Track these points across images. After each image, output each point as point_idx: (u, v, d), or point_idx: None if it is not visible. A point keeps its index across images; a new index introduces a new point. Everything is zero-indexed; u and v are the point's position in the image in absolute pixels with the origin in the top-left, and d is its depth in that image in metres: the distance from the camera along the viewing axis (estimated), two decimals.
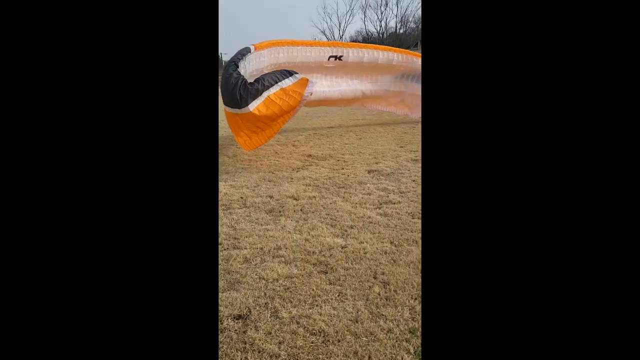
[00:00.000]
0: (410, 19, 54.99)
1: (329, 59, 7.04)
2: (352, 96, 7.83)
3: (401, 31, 54.07)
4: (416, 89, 7.72)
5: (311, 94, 4.96)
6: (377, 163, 5.26)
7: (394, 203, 3.63)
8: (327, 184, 4.34)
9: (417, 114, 8.23)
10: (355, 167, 5.05)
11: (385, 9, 49.72)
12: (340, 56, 7.03)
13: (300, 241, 2.88)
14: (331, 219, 3.30)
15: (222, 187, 4.34)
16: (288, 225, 3.19)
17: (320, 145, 6.78)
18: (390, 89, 8.04)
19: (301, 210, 3.55)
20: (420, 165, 5.04)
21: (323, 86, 7.26)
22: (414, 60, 7.50)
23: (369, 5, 51.37)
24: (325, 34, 56.19)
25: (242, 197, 3.96)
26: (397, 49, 7.54)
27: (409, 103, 8.26)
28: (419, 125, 8.51)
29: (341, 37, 53.96)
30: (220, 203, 3.81)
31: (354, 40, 57.77)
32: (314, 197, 3.91)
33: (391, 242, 2.82)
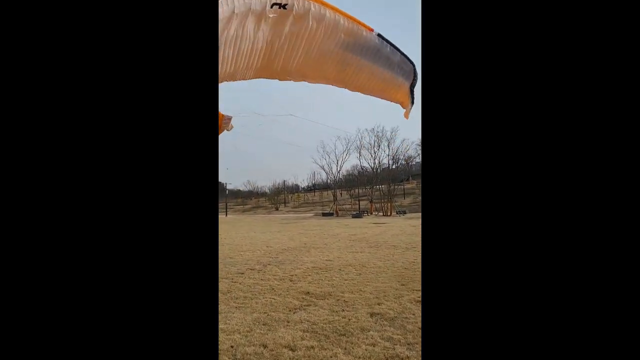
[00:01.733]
0: (400, 157, 60.98)
1: (272, 7, 4.90)
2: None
3: (393, 167, 59.20)
4: (365, 64, 5.55)
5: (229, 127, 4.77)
6: (379, 304, 4.96)
7: (402, 358, 3.26)
8: (326, 330, 3.98)
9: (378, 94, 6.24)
10: (356, 309, 4.74)
11: (378, 149, 55.61)
12: (285, 4, 4.86)
13: None
14: None
15: None
16: None
17: (319, 281, 6.53)
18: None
19: None
20: None
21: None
22: (362, 30, 5.23)
23: (363, 146, 57.61)
24: (324, 169, 61.23)
25: (232, 346, 3.56)
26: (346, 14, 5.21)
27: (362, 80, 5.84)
28: (419, 261, 8.40)
29: (339, 172, 58.71)
30: None
31: (350, 175, 62.65)
32: (313, 347, 3.53)
33: None
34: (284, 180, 76.60)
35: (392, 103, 6.39)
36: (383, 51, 4.99)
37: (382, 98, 5.76)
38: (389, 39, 5.09)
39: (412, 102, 6.25)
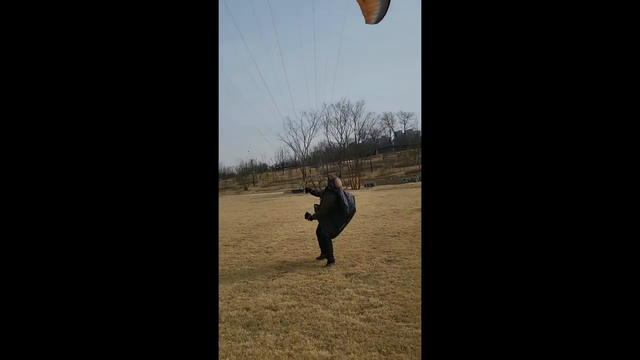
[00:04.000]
0: (367, 132, 61.75)
1: None
2: None
3: (360, 141, 59.93)
4: None
5: None
6: (352, 266, 5.27)
7: (376, 307, 3.57)
8: (305, 291, 4.22)
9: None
10: (331, 272, 5.01)
11: (345, 124, 55.82)
12: None
13: (283, 357, 2.67)
14: (313, 329, 3.14)
15: None
16: (268, 340, 2.98)
17: (294, 251, 6.75)
18: None
19: (281, 321, 3.37)
20: (395, 266, 5.11)
21: None
22: None
23: (330, 122, 57.56)
24: (292, 146, 60.86)
25: None
26: None
27: None
28: (389, 226, 8.85)
29: (306, 149, 58.65)
30: None
31: (317, 151, 62.82)
32: (293, 306, 3.75)
33: (379, 351, 2.69)
34: (252, 160, 75.48)
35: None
36: None
37: None
38: None
39: (377, 16, 5.73)
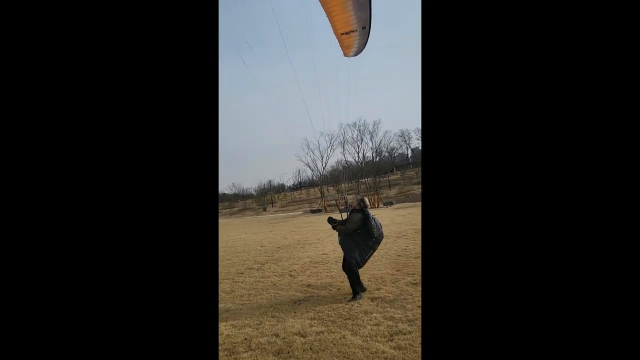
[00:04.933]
0: (383, 150, 61.74)
1: None
2: None
3: (377, 159, 59.90)
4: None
5: None
6: (377, 289, 5.24)
7: (405, 333, 3.54)
8: (332, 316, 4.23)
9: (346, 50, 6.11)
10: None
11: (361, 142, 56.14)
12: None
13: None
14: (344, 357, 3.15)
15: (223, 327, 4.15)
16: None
17: (318, 274, 6.77)
18: None
19: (310, 349, 3.39)
20: (420, 289, 5.05)
21: None
22: None
23: (347, 141, 58.02)
24: (309, 166, 61.42)
25: (246, 339, 3.77)
26: None
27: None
28: (411, 247, 8.75)
29: (324, 168, 59.01)
30: (222, 347, 3.60)
31: (334, 170, 63.06)
32: (322, 332, 3.77)
33: None
34: (270, 180, 76.37)
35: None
36: None
37: (327, 14, 5.37)
38: None
39: (356, 50, 5.89)
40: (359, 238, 5.09)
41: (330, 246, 10.43)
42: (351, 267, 4.97)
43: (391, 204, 38.17)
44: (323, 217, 27.21)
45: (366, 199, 5.35)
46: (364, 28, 5.43)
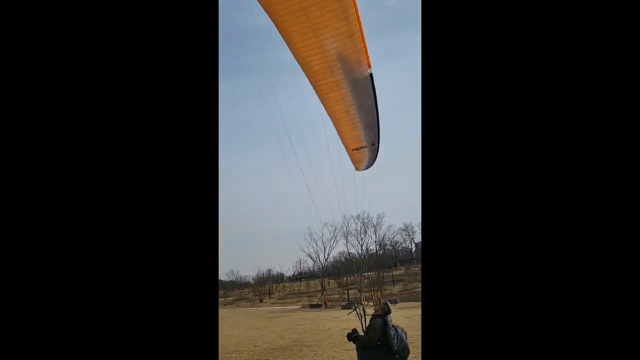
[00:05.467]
0: (387, 243, 60.88)
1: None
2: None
3: (380, 253, 58.63)
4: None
5: None
6: None
7: None
8: None
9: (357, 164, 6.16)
10: None
11: (365, 235, 55.81)
12: None
13: None
14: None
15: None
16: None
17: None
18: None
19: None
20: None
21: None
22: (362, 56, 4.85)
23: (350, 233, 57.89)
24: (311, 257, 60.15)
25: None
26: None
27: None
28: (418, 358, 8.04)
29: (326, 260, 57.59)
30: None
31: (336, 261, 61.40)
32: None
33: None
34: (269, 269, 73.87)
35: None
36: (364, 89, 4.91)
37: (338, 132, 5.78)
38: (376, 93, 4.89)
39: (366, 164, 6.34)
40: (377, 353, 4.02)
41: (330, 351, 9.63)
42: None
43: (395, 302, 36.11)
44: (323, 314, 25.57)
45: (389, 304, 4.42)
46: (373, 144, 5.83)
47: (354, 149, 6.15)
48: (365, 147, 5.97)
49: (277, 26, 4.52)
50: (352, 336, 4.26)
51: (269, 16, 4.38)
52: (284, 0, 4.15)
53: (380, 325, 4.02)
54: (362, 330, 4.37)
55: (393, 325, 4.07)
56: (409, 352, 4.02)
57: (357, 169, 6.71)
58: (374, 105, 5.30)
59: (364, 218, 58.78)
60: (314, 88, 5.37)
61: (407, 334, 3.92)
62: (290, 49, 4.82)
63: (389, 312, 4.19)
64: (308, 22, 4.37)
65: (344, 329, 14.83)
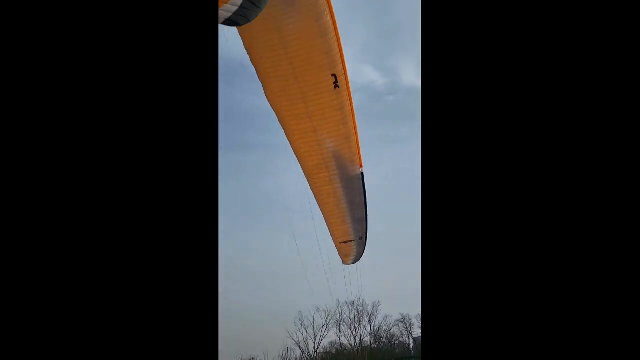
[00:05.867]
0: (382, 335, 56.00)
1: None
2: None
3: (374, 346, 53.63)
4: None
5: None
6: None
7: None
8: None
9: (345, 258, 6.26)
10: None
11: (359, 325, 51.80)
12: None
13: None
14: None
15: None
16: None
17: None
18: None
19: None
20: None
21: None
22: (355, 156, 5.12)
23: (344, 321, 53.78)
24: (300, 346, 54.97)
25: None
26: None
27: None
28: None
29: (316, 351, 52.56)
30: None
31: (327, 352, 55.61)
32: None
33: None
34: (252, 358, 66.43)
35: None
36: (355, 186, 5.52)
37: (327, 224, 6.18)
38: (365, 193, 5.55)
39: (354, 258, 6.55)
40: None
41: None
42: None
43: None
44: None
45: None
46: (360, 239, 6.25)
47: (342, 242, 6.66)
48: (353, 240, 6.35)
49: (281, 124, 5.39)
50: None
51: (276, 115, 5.21)
52: (292, 105, 4.81)
53: None
54: None
55: None
56: None
57: (344, 262, 7.07)
58: (364, 202, 5.88)
59: (358, 305, 55.08)
60: (308, 181, 5.85)
61: None
62: (291, 144, 5.49)
63: None
64: (311, 124, 4.95)
65: None
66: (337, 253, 6.84)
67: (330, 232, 6.50)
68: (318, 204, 6.03)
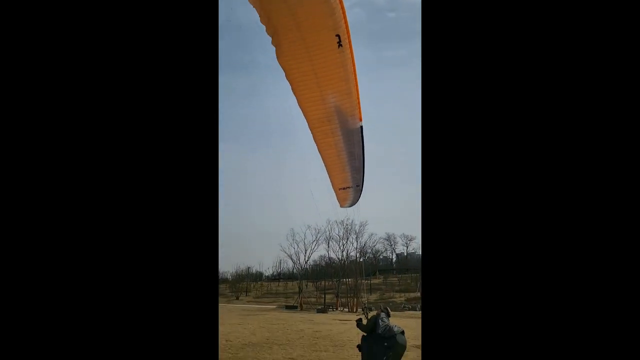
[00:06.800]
0: (368, 251, 61.32)
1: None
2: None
3: (360, 260, 59.05)
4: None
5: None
6: None
7: None
8: None
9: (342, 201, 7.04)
10: None
11: (347, 241, 56.19)
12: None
13: None
14: None
15: None
16: None
17: None
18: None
19: None
20: None
21: None
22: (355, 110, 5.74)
23: (332, 238, 58.14)
24: (292, 259, 60.12)
25: None
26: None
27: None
28: None
29: (306, 262, 57.67)
30: None
31: (316, 265, 61.55)
32: None
33: None
34: (248, 267, 73.37)
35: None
36: (354, 138, 5.88)
37: (328, 172, 6.82)
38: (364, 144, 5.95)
39: (350, 202, 7.17)
40: (370, 339, 5.20)
41: (299, 350, 9.85)
42: None
43: (370, 309, 36.36)
44: (297, 315, 25.71)
45: (388, 309, 5.64)
46: (357, 186, 6.85)
47: (340, 188, 7.05)
48: (351, 187, 6.92)
49: (288, 79, 5.46)
50: (357, 321, 5.62)
51: (284, 70, 5.25)
52: (299, 64, 5.14)
53: (373, 318, 5.32)
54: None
55: (386, 322, 5.22)
56: (402, 346, 5.02)
57: (341, 205, 7.50)
58: (362, 153, 6.30)
59: (347, 224, 59.23)
60: (311, 132, 6.37)
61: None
62: (296, 97, 5.76)
63: (387, 314, 5.42)
64: (316, 80, 5.35)
65: (316, 331, 15.05)
66: (335, 197, 7.57)
67: (330, 179, 7.08)
68: (320, 154, 6.59)
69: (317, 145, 6.37)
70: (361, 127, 5.89)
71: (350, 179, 6.85)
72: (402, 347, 5.01)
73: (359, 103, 5.65)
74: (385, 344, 4.96)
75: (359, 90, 5.60)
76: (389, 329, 5.14)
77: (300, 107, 5.83)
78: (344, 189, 7.07)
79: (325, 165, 6.77)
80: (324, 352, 9.87)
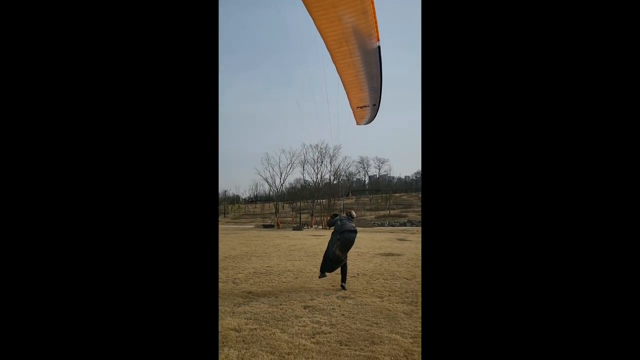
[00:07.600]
0: (341, 174, 63.48)
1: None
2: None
3: (335, 182, 61.37)
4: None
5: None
6: (311, 300, 5.87)
7: (326, 333, 4.20)
8: (266, 318, 4.78)
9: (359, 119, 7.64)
10: (292, 304, 5.59)
11: (321, 164, 57.58)
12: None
13: None
14: (271, 347, 3.73)
15: None
16: (231, 354, 3.53)
17: (260, 283, 7.26)
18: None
19: (243, 341, 3.92)
20: (348, 302, 5.76)
21: None
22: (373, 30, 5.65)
23: (307, 161, 59.19)
24: (267, 181, 61.47)
25: None
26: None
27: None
28: (350, 268, 9.49)
29: (282, 185, 59.35)
30: None
31: (293, 188, 63.62)
32: (255, 329, 4.31)
33: None
34: (225, 191, 74.84)
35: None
36: (372, 58, 6.03)
37: (346, 92, 7.15)
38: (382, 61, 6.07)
39: (367, 120, 7.72)
40: (334, 235, 6.73)
41: (276, 260, 10.91)
42: (325, 254, 6.81)
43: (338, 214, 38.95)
44: (274, 233, 27.43)
45: (353, 212, 7.20)
46: (374, 105, 7.31)
47: (358, 107, 7.47)
48: (368, 106, 7.34)
49: (304, 3, 5.28)
50: (329, 219, 7.22)
51: None
52: None
53: (334, 217, 7.21)
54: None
55: (344, 221, 6.74)
56: (349, 240, 6.54)
57: (358, 123, 7.97)
58: (379, 73, 6.45)
59: (321, 148, 59.92)
60: (330, 54, 6.45)
61: (356, 233, 6.67)
62: (313, 20, 5.64)
63: (350, 216, 6.99)
64: (331, 0, 5.17)
65: (292, 245, 16.38)
66: (353, 115, 8.27)
67: (348, 98, 7.54)
68: (339, 74, 6.85)
69: (335, 65, 6.57)
70: (379, 47, 5.90)
71: (367, 98, 7.25)
72: (349, 241, 6.53)
73: (375, 22, 5.59)
74: (337, 237, 6.53)
75: (375, 9, 5.44)
76: (342, 225, 6.69)
77: (317, 28, 5.77)
78: (361, 107, 7.51)
79: (344, 85, 7.08)
80: (297, 260, 10.98)
